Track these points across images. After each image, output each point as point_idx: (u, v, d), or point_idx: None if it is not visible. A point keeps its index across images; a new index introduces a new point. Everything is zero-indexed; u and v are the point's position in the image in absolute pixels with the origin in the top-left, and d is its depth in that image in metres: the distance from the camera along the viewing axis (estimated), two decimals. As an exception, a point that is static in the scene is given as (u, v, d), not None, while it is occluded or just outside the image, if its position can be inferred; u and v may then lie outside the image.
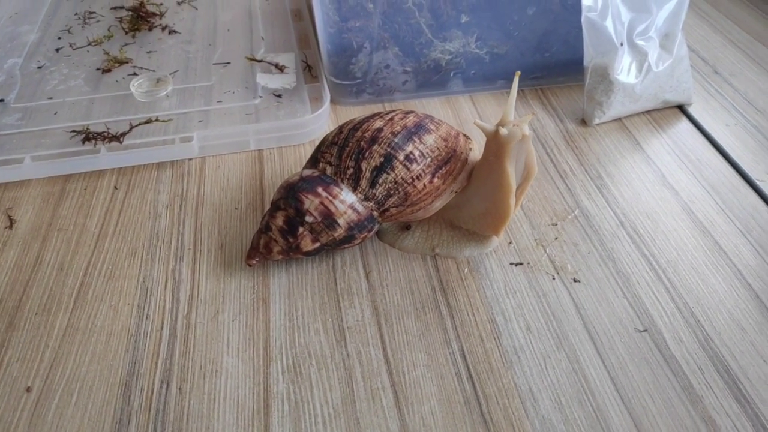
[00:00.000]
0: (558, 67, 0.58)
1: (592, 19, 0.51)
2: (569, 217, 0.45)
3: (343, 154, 0.39)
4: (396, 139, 0.38)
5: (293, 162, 0.50)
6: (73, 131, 0.50)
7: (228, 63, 0.59)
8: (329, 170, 0.39)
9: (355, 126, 0.39)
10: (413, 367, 0.36)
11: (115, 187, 0.48)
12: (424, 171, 0.38)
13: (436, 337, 0.37)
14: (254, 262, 0.39)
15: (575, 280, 0.41)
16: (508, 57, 0.57)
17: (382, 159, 0.38)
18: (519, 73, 0.38)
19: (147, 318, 0.38)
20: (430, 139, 0.39)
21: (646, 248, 0.43)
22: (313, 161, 0.40)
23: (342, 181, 0.38)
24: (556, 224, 0.45)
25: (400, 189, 0.38)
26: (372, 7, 0.52)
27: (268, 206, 0.46)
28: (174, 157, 0.49)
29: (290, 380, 0.35)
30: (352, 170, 0.38)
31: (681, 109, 0.56)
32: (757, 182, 0.49)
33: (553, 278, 0.41)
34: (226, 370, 0.36)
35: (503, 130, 0.36)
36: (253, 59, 0.59)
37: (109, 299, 0.39)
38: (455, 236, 0.42)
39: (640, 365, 0.36)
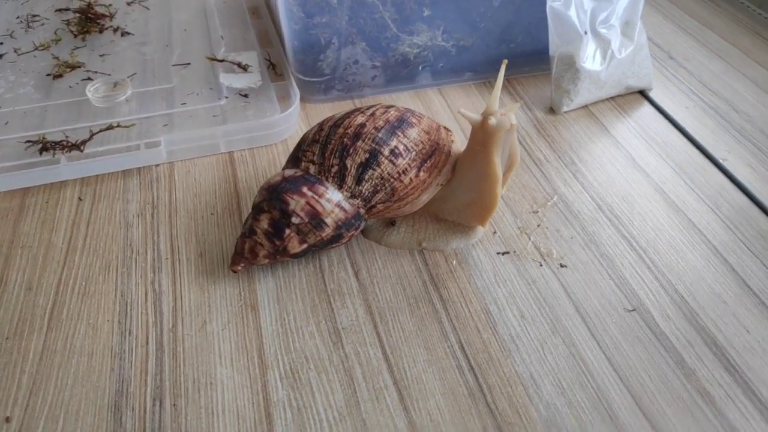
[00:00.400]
0: (523, 58, 0.59)
1: (556, 9, 0.51)
2: (549, 203, 0.46)
3: (326, 152, 0.38)
4: (380, 134, 0.37)
5: (267, 163, 0.49)
6: (28, 141, 0.47)
7: (188, 64, 0.56)
8: (312, 169, 0.38)
9: (336, 123, 0.39)
10: (413, 363, 0.35)
11: (80, 198, 0.45)
12: (409, 165, 0.38)
13: (433, 332, 0.37)
14: (239, 268, 0.38)
15: (562, 266, 0.41)
16: (473, 49, 0.57)
17: (367, 155, 0.37)
18: (506, 61, 0.38)
19: (130, 334, 0.36)
20: (413, 133, 0.38)
21: (625, 230, 0.44)
22: (295, 161, 0.39)
23: (327, 180, 0.37)
24: (537, 212, 0.45)
25: (386, 184, 0.37)
26: (336, 2, 0.52)
27: (245, 210, 0.44)
28: (141, 164, 0.47)
29: (290, 386, 0.34)
30: (336, 168, 0.37)
31: (642, 94, 0.58)
32: (721, 161, 0.50)
33: (540, 265, 0.41)
34: (222, 382, 0.34)
35: (492, 120, 0.36)
36: (214, 59, 0.57)
37: (87, 317, 0.37)
38: (441, 229, 0.42)
39: (633, 344, 0.37)
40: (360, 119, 0.38)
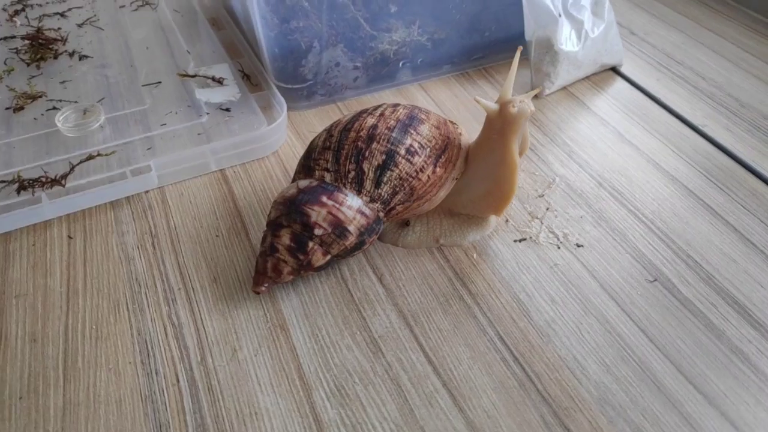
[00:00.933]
0: (497, 46, 0.59)
1: (530, -7, 0.52)
2: (552, 186, 0.46)
3: (340, 158, 0.36)
4: (393, 134, 0.37)
5: (262, 177, 0.47)
6: (2, 182, 0.44)
7: (159, 82, 0.54)
8: (328, 177, 0.37)
9: (346, 127, 0.37)
10: (458, 362, 0.35)
11: (70, 237, 0.42)
12: (426, 162, 0.37)
13: (470, 328, 0.36)
14: (264, 288, 0.36)
15: (578, 245, 0.42)
16: (448, 41, 0.57)
17: (383, 156, 0.36)
18: (521, 47, 0.38)
19: (157, 374, 0.34)
20: (425, 129, 0.38)
21: (629, 203, 0.45)
22: (307, 170, 0.37)
23: (345, 186, 0.36)
24: (542, 195, 0.46)
25: (405, 184, 0.37)
26: (309, 6, 0.50)
27: (251, 228, 0.43)
28: (129, 192, 0.44)
29: (339, 404, 0.33)
30: (354, 173, 0.36)
31: (615, 70, 0.60)
32: (701, 128, 0.52)
33: (558, 247, 0.42)
34: (267, 410, 0.32)
35: (513, 108, 0.35)
36: (186, 75, 0.54)
37: (105, 362, 0.35)
38: (455, 224, 0.42)
39: (662, 313, 0.38)
40: (370, 121, 0.37)
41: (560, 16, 0.53)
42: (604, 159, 0.49)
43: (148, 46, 0.59)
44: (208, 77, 0.54)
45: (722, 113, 0.54)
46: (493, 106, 0.36)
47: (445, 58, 0.57)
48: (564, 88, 0.57)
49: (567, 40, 0.54)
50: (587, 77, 0.58)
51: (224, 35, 0.61)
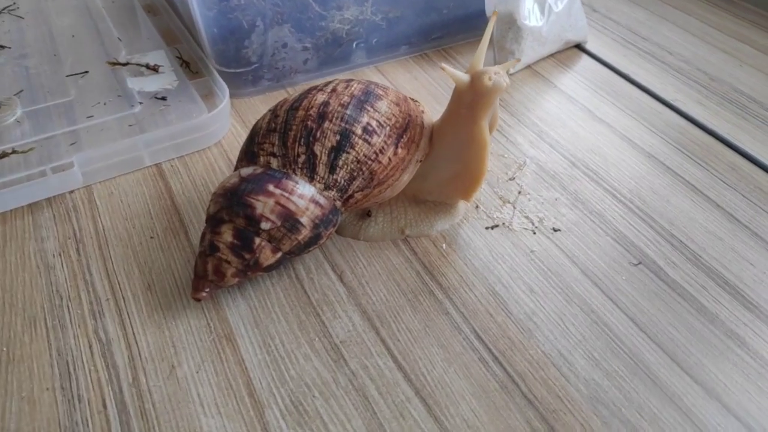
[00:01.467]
0: (456, 24, 0.55)
1: (490, -35, 0.48)
2: (523, 168, 0.43)
3: (288, 140, 0.32)
4: (348, 111, 0.32)
5: (203, 170, 0.42)
6: None
7: (86, 72, 0.48)
8: (275, 162, 0.32)
9: (293, 105, 0.33)
10: (431, 365, 0.31)
11: (-22, 246, 0.36)
12: (386, 142, 0.33)
13: (442, 326, 0.32)
14: (204, 294, 0.32)
15: (555, 230, 0.38)
16: (404, 20, 0.53)
17: (337, 137, 0.32)
18: (497, 12, 0.34)
19: (80, 400, 0.29)
20: (383, 106, 0.33)
21: (605, 183, 0.42)
22: (250, 156, 0.33)
23: (294, 172, 0.32)
24: (513, 178, 0.42)
25: (364, 168, 0.32)
26: (250, -17, 0.46)
27: (191, 226, 0.38)
28: (51, 193, 0.39)
29: (296, 423, 0.28)
30: (304, 157, 0.32)
31: (579, 47, 0.57)
32: (673, 102, 0.50)
33: (534, 233, 0.38)
34: (212, 435, 0.28)
35: (487, 79, 0.31)
36: (116, 63, 0.49)
37: (18, 389, 0.29)
38: (422, 212, 0.38)
39: (650, 298, 0.34)
40: (321, 97, 0.33)
41: (522, -12, 0.50)
42: (576, 138, 0.46)
43: (74, 34, 0.53)
44: (141, 65, 0.49)
45: (693, 87, 0.51)
46: (464, 76, 0.32)
47: (401, 39, 0.53)
48: (528, 66, 0.54)
49: (530, 14, 0.50)
50: (552, 55, 0.55)
51: (161, 21, 0.55)
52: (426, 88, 0.51)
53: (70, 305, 0.33)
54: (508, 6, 0.50)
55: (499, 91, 0.31)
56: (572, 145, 0.45)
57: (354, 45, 0.51)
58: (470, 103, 0.32)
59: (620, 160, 0.44)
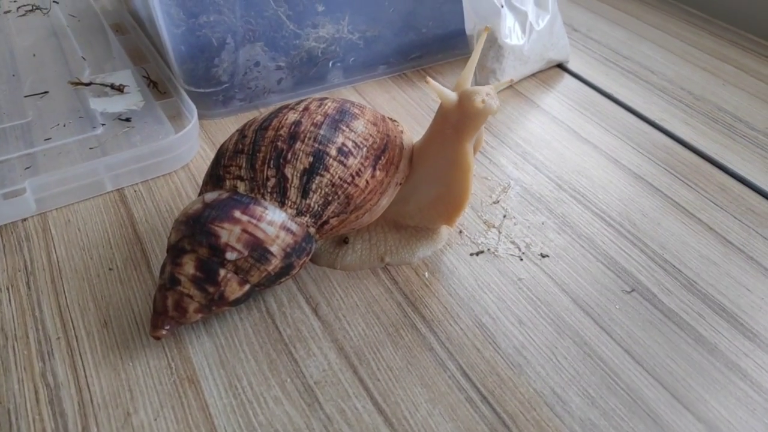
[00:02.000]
0: (435, 44, 0.54)
1: (470, -18, 0.47)
2: (507, 191, 0.41)
3: (256, 162, 0.30)
4: (321, 131, 0.30)
5: (168, 195, 0.39)
6: None
7: (45, 92, 0.45)
8: (242, 186, 0.30)
9: (262, 125, 0.31)
10: (414, 408, 0.28)
11: None
12: (363, 164, 0.31)
13: (426, 363, 0.30)
14: (164, 332, 0.29)
15: (543, 256, 0.36)
16: (382, 40, 0.51)
17: (310, 158, 0.29)
18: (488, 27, 0.32)
19: (20, 455, 0.26)
20: (359, 126, 0.31)
21: (593, 206, 0.40)
22: (216, 180, 0.30)
23: (263, 197, 0.29)
24: (498, 201, 0.40)
25: (339, 192, 0.30)
26: (220, 1, 0.44)
27: (153, 256, 0.35)
28: (1, 221, 0.36)
29: (265, 477, 0.25)
30: (274, 180, 0.29)
31: (562, 67, 0.56)
32: (659, 122, 0.48)
33: (521, 259, 0.36)
34: (169, 493, 0.25)
35: (480, 102, 0.29)
36: (78, 83, 0.46)
37: (-52, 445, 0.26)
38: (402, 238, 0.35)
39: (645, 328, 0.32)
40: (292, 116, 0.30)
41: (503, 7, 0.48)
42: (561, 159, 0.44)
43: (35, 53, 0.51)
44: (106, 85, 0.46)
45: (678, 107, 0.50)
46: (451, 95, 0.30)
47: (379, 58, 0.52)
48: (510, 86, 0.52)
49: (511, 33, 0.49)
50: (534, 74, 0.54)
51: (128, 40, 0.53)
52: (405, 108, 0.49)
53: (15, 345, 0.30)
54: (489, 24, 0.48)
55: (488, 115, 0.29)
56: (557, 166, 0.43)
57: (330, 64, 0.49)
58: (456, 123, 0.30)
59: (608, 182, 0.42)
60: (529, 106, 0.50)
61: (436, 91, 0.30)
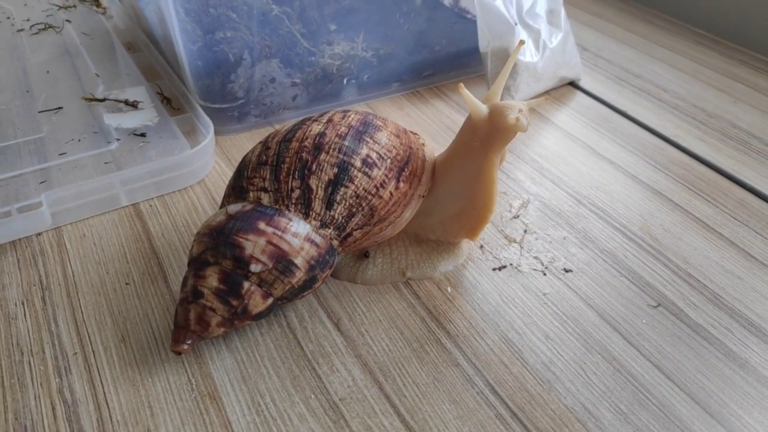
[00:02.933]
0: (448, 62, 0.54)
1: (484, 0, 0.47)
2: (527, 206, 0.41)
3: (280, 174, 0.29)
4: (345, 143, 0.30)
5: (185, 210, 0.39)
6: None
7: (60, 108, 0.45)
8: (266, 198, 0.29)
9: (286, 137, 0.30)
10: (443, 424, 0.27)
11: (-71, 296, 0.32)
12: (387, 176, 0.30)
13: (453, 379, 0.29)
14: (185, 347, 0.28)
15: (566, 270, 0.36)
16: (395, 57, 0.51)
17: (335, 170, 0.29)
18: (523, 41, 0.32)
19: (37, 474, 0.25)
20: (383, 137, 0.31)
21: (613, 221, 0.40)
22: (239, 192, 0.30)
23: (288, 209, 0.29)
24: (518, 216, 0.40)
25: (363, 204, 0.30)
26: (237, 17, 0.44)
27: (170, 271, 0.34)
28: (16, 235, 0.35)
29: (292, 496, 0.24)
30: (298, 191, 0.29)
31: (574, 85, 0.56)
32: (674, 139, 0.48)
33: (544, 274, 0.35)
34: None
35: (514, 119, 0.29)
36: (93, 99, 0.46)
37: (-37, 464, 0.25)
38: (423, 252, 0.35)
39: (674, 343, 0.32)
40: (316, 128, 0.30)
41: (516, 24, 0.49)
42: (579, 174, 0.44)
43: (49, 70, 0.51)
44: (120, 101, 0.46)
45: (692, 124, 0.50)
46: (482, 107, 0.30)
47: (393, 76, 0.52)
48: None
49: (525, 50, 0.49)
50: (547, 92, 0.54)
51: (141, 57, 0.53)
52: (419, 125, 0.49)
53: (31, 361, 0.29)
54: (502, 41, 0.49)
55: (520, 131, 0.29)
56: (575, 182, 0.43)
57: (345, 81, 0.49)
58: (486, 137, 0.30)
59: (626, 197, 0.42)
60: (543, 122, 0.50)
61: (468, 101, 0.30)
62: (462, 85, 0.30)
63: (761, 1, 0.62)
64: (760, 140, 0.48)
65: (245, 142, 0.46)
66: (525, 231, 0.39)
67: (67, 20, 0.59)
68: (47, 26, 0.58)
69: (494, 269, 0.36)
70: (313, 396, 0.28)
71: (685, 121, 0.51)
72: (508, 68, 0.31)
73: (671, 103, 0.53)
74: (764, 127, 0.50)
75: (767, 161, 0.46)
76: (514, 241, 0.38)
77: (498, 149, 0.30)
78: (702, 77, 0.58)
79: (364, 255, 0.34)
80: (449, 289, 0.34)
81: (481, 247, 0.37)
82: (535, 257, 0.36)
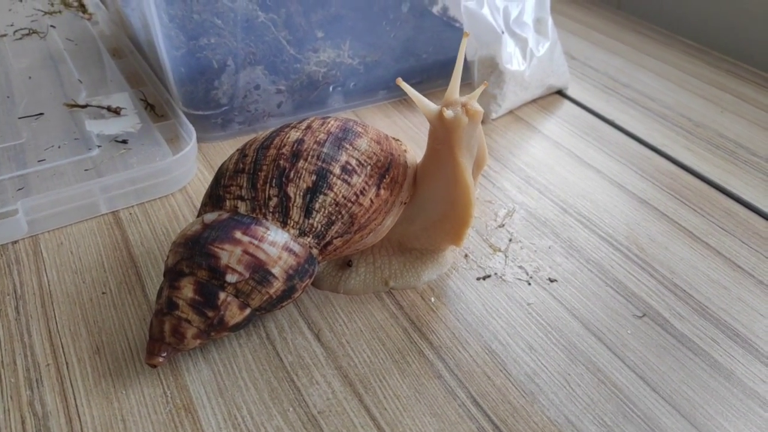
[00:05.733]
0: (435, 70, 0.54)
1: (471, 9, 0.47)
2: (512, 215, 0.40)
3: (257, 182, 0.29)
4: (324, 149, 0.29)
5: (165, 218, 0.38)
6: None
7: (41, 114, 0.45)
8: (243, 207, 0.29)
9: (263, 144, 0.30)
10: (423, 437, 0.27)
11: None
12: (367, 183, 0.30)
13: (435, 391, 0.29)
14: (161, 359, 0.27)
15: (551, 280, 0.35)
16: (382, 65, 0.51)
17: (313, 177, 0.29)
18: (468, 33, 0.32)
19: (2, 491, 0.24)
20: (362, 144, 0.31)
21: (599, 230, 0.39)
22: (216, 200, 0.29)
23: (265, 217, 0.28)
24: (503, 225, 0.39)
25: (343, 211, 0.29)
26: (222, 23, 0.43)
27: (149, 280, 0.34)
28: (-11, 244, 0.35)
29: None
30: (276, 200, 0.28)
31: (561, 94, 0.56)
32: (661, 148, 0.48)
33: (529, 284, 0.35)
34: None
35: (448, 112, 0.29)
36: (75, 105, 0.45)
37: (-75, 480, 0.24)
38: (407, 261, 0.34)
39: (660, 354, 0.31)
40: (294, 135, 0.30)
41: (503, 33, 0.49)
42: (565, 183, 0.44)
43: (31, 75, 0.50)
44: (102, 107, 0.45)
45: (678, 133, 0.50)
46: (430, 106, 0.30)
47: (379, 83, 0.52)
48: (511, 111, 0.52)
49: (512, 58, 0.49)
50: (534, 100, 0.54)
51: (126, 64, 0.53)
52: (405, 133, 0.49)
53: (2, 372, 0.28)
54: (489, 50, 0.49)
55: (461, 126, 0.29)
56: (561, 190, 0.43)
57: (331, 88, 0.49)
58: (443, 138, 0.29)
59: (612, 206, 0.42)
60: (530, 131, 0.50)
61: (413, 98, 0.29)
62: (400, 78, 0.30)
63: (749, 13, 0.62)
64: (746, 150, 0.48)
65: (229, 149, 0.45)
66: (510, 240, 0.38)
67: (51, 26, 0.58)
68: (31, 32, 0.57)
69: (479, 278, 0.35)
70: (291, 409, 0.27)
71: (673, 130, 0.51)
72: (459, 65, 0.31)
73: (659, 112, 0.53)
74: (751, 137, 0.50)
75: (754, 171, 0.46)
76: (499, 250, 0.37)
77: (459, 148, 0.29)
78: (689, 87, 0.58)
79: (347, 264, 0.34)
80: (433, 299, 0.34)
81: (466, 256, 0.37)
82: (520, 266, 0.36)
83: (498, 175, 0.44)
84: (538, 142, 0.48)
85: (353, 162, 0.30)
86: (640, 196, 0.43)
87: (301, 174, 0.29)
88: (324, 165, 0.29)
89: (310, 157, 0.29)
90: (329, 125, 0.31)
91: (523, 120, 0.51)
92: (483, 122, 0.50)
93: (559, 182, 0.44)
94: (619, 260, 0.37)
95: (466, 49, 0.48)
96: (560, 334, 0.32)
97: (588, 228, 0.40)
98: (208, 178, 0.42)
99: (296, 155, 0.29)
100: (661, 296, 0.35)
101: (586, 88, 0.57)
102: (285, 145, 0.29)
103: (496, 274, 0.35)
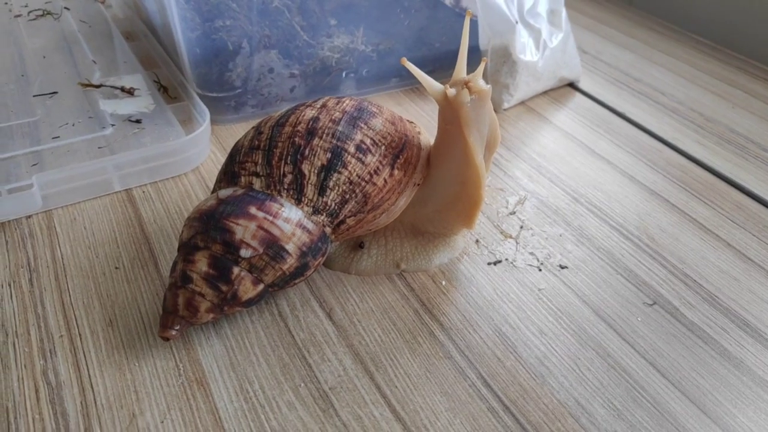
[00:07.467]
0: (447, 59, 0.54)
1: (485, -3, 0.47)
2: (523, 203, 0.40)
3: (273, 159, 0.29)
4: (339, 128, 0.29)
5: (178, 197, 0.39)
6: None
7: (55, 93, 0.45)
8: (258, 183, 0.29)
9: (279, 121, 0.30)
10: (434, 416, 0.27)
11: None
12: (381, 162, 0.30)
13: (446, 371, 0.29)
14: (174, 332, 0.27)
15: (562, 267, 0.35)
16: (394, 53, 0.51)
17: (328, 155, 0.29)
18: (470, 12, 0.32)
19: (17, 455, 0.24)
20: (377, 123, 0.31)
21: (610, 219, 0.39)
22: (231, 177, 0.30)
23: (280, 194, 0.28)
24: (514, 212, 0.39)
25: (357, 190, 0.29)
26: (237, 7, 0.43)
27: (161, 256, 0.34)
28: (5, 217, 0.35)
29: (277, 484, 0.24)
30: (291, 177, 0.28)
31: (573, 86, 0.56)
32: (672, 141, 0.48)
33: (539, 270, 0.35)
34: (175, 499, 0.23)
35: (451, 90, 0.29)
36: (89, 85, 0.45)
37: (-60, 443, 0.25)
38: (419, 244, 0.34)
39: (669, 342, 0.31)
40: (310, 113, 0.30)
41: (517, 23, 0.49)
42: (576, 173, 0.44)
43: (45, 55, 0.50)
44: (116, 87, 0.46)
45: (690, 127, 0.50)
46: (435, 86, 0.30)
47: (392, 71, 0.52)
48: (522, 102, 0.52)
49: (526, 48, 0.49)
50: (545, 92, 0.54)
51: (139, 46, 0.53)
52: (417, 120, 0.49)
53: (16, 342, 0.29)
54: (503, 39, 0.49)
55: (464, 104, 0.29)
56: (573, 180, 0.43)
57: (343, 74, 0.49)
58: (450, 118, 0.29)
59: (623, 197, 0.42)
60: (542, 122, 0.50)
61: (421, 81, 0.29)
62: (405, 58, 0.30)
63: (761, 12, 0.62)
64: (757, 145, 0.48)
65: (241, 131, 0.45)
66: (521, 227, 0.38)
67: (65, 8, 0.59)
68: (46, 13, 0.57)
69: (489, 264, 0.35)
70: (302, 384, 0.28)
71: (684, 124, 0.51)
72: (464, 43, 0.31)
73: (670, 106, 0.53)
74: (762, 133, 0.50)
75: (764, 165, 0.46)
76: (510, 237, 0.37)
77: (467, 127, 0.29)
78: (701, 83, 0.57)
79: (359, 245, 0.34)
80: (444, 282, 0.34)
81: (477, 241, 0.37)
82: (531, 253, 0.36)
83: (509, 164, 0.44)
84: (549, 133, 0.48)
85: (368, 141, 0.30)
86: (650, 188, 0.43)
87: (316, 151, 0.29)
88: (339, 143, 0.29)
89: (325, 135, 0.29)
90: (344, 104, 0.31)
91: (535, 111, 0.51)
92: (495, 112, 0.50)
93: (571, 172, 0.44)
94: (629, 249, 0.37)
95: (480, 38, 0.49)
96: (570, 319, 0.32)
97: (599, 217, 0.40)
98: (221, 159, 0.42)
99: (311, 133, 0.29)
100: (671, 285, 0.35)
101: (598, 81, 0.57)
102: (300, 123, 0.29)
103: (507, 259, 0.36)
